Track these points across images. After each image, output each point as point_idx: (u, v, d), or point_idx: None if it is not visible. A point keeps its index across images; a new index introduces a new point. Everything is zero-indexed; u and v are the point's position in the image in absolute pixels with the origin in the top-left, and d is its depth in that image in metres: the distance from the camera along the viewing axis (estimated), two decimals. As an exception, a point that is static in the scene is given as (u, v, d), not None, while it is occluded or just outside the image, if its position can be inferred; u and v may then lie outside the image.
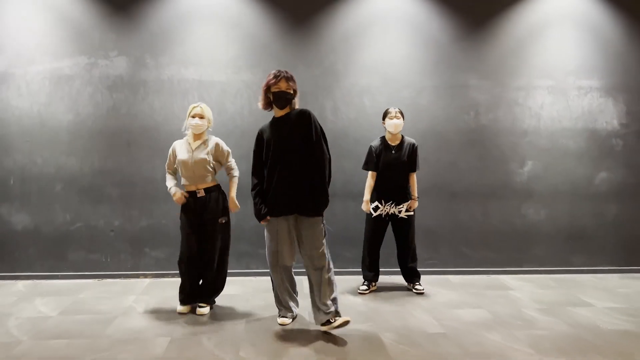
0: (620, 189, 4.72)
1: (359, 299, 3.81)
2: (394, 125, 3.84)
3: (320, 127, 3.05)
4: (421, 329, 3.20)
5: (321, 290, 3.04)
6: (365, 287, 3.99)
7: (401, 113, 3.88)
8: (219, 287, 3.53)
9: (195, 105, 3.39)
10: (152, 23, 4.26)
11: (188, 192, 3.42)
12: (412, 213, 3.94)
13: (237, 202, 3.50)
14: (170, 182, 3.49)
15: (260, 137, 3.14)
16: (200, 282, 3.51)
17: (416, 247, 4.05)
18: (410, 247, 4.00)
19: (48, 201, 4.23)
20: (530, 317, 3.45)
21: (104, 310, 3.45)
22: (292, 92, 3.02)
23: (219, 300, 3.61)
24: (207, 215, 3.39)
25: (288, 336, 3.05)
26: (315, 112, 3.20)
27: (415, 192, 3.95)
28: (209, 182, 3.41)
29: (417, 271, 4.06)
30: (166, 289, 3.95)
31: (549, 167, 4.66)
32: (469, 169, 4.58)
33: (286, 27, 4.40)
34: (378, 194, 3.93)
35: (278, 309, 3.28)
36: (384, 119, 3.92)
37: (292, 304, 3.28)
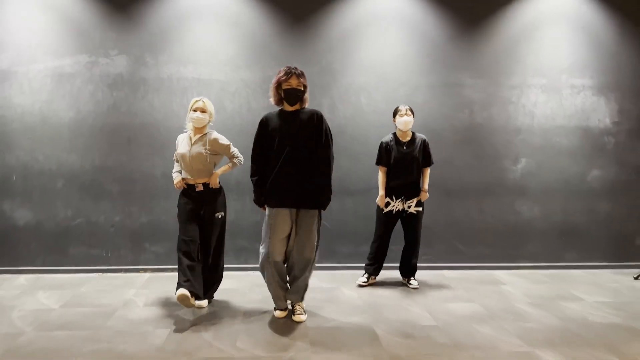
0: (612, 186, 4.80)
1: (354, 293, 3.89)
2: (404, 123, 3.93)
3: (330, 130, 3.17)
4: (414, 321, 3.28)
5: (301, 284, 3.23)
6: (364, 280, 4.08)
7: (411, 110, 3.97)
8: (215, 281, 3.59)
9: (197, 99, 3.42)
10: (152, 22, 4.34)
11: (188, 185, 3.48)
12: (420, 209, 4.03)
13: (217, 181, 3.47)
14: (175, 169, 3.58)
15: (264, 124, 3.17)
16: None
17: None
18: (417, 243, 4.09)
19: (49, 197, 4.31)
20: (521, 310, 3.53)
21: (105, 303, 3.54)
22: (302, 88, 3.09)
23: (217, 294, 3.68)
24: (205, 209, 3.45)
25: (283, 328, 3.13)
26: (313, 111, 3.27)
27: (426, 185, 4.05)
28: (208, 177, 3.46)
29: (416, 267, 4.14)
30: (166, 284, 4.03)
31: (542, 164, 4.73)
32: (463, 167, 4.66)
33: (284, 27, 4.47)
34: (389, 190, 4.02)
35: (274, 302, 3.36)
36: (394, 116, 4.01)
37: (286, 295, 3.34)
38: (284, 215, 3.12)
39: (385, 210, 4.01)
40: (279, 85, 3.08)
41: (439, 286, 4.13)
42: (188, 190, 3.47)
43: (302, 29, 4.49)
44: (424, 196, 4.04)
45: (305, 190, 3.09)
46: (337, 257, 4.57)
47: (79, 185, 4.33)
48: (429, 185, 4.10)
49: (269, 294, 3.41)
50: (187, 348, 2.79)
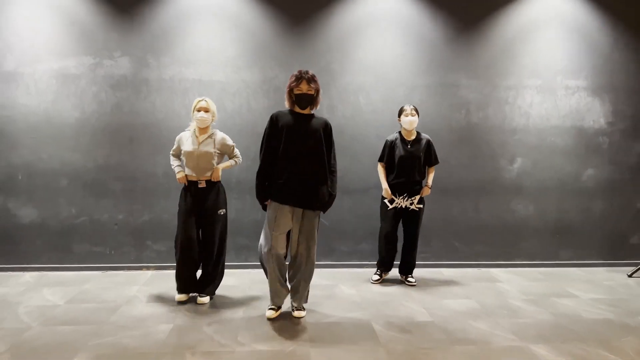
0: (606, 185, 4.88)
1: (353, 290, 3.96)
2: (409, 122, 4.02)
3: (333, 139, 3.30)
4: (410, 317, 3.36)
5: (302, 282, 3.32)
6: (377, 277, 4.19)
7: (416, 110, 4.06)
8: (217, 277, 3.66)
9: (200, 99, 3.53)
10: (154, 24, 4.41)
11: (189, 181, 3.56)
12: (422, 206, 4.11)
13: (220, 174, 3.59)
14: (175, 162, 3.64)
15: (275, 121, 3.19)
16: (199, 273, 3.67)
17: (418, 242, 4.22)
18: (416, 240, 4.16)
19: (54, 196, 4.38)
20: (516, 307, 3.61)
21: (109, 300, 3.61)
22: (313, 92, 3.13)
23: (218, 290, 3.76)
24: (207, 206, 3.53)
25: (283, 323, 3.21)
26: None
27: (430, 181, 4.15)
28: (210, 174, 3.55)
29: (414, 265, 4.22)
30: (168, 281, 4.10)
31: (537, 163, 4.81)
32: (460, 166, 4.74)
33: (284, 28, 4.54)
34: (392, 187, 4.09)
35: (271, 298, 3.35)
36: (399, 116, 4.10)
37: (283, 291, 3.34)
38: (288, 212, 3.18)
39: (391, 207, 4.08)
40: (290, 90, 3.13)
41: (436, 283, 4.21)
42: (190, 187, 3.55)
43: (301, 30, 4.56)
44: (427, 191, 4.13)
45: (311, 191, 3.17)
46: (336, 255, 4.65)
47: (83, 183, 4.41)
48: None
49: (269, 291, 3.47)
50: (189, 342, 2.87)
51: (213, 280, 3.63)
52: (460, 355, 2.76)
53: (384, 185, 4.11)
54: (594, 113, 4.83)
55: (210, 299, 3.64)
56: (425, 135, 4.15)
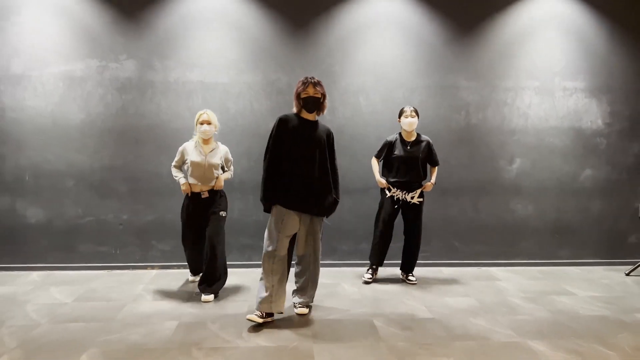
0: (604, 186, 4.94)
1: (354, 288, 4.03)
2: (408, 124, 4.08)
3: None
4: (411, 314, 3.42)
5: (310, 282, 3.40)
6: (369, 276, 4.20)
7: (416, 112, 4.13)
8: (221, 274, 3.74)
9: (201, 112, 3.71)
10: (159, 28, 4.49)
11: (193, 193, 3.73)
12: (422, 199, 4.16)
13: (222, 183, 3.79)
14: (179, 174, 3.79)
15: (283, 123, 3.23)
16: (202, 273, 3.80)
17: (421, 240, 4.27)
18: (419, 234, 4.21)
19: (60, 196, 4.45)
20: (514, 304, 3.67)
21: (115, 298, 3.68)
22: (319, 96, 3.24)
23: (222, 289, 3.83)
24: (210, 210, 3.72)
25: (287, 320, 3.27)
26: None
27: (433, 179, 4.23)
28: (214, 184, 3.74)
29: (415, 263, 4.28)
30: (172, 280, 4.17)
31: (536, 164, 4.88)
32: (459, 166, 4.81)
33: (286, 31, 4.62)
34: (391, 185, 4.16)
35: (259, 302, 3.19)
36: (399, 117, 4.17)
37: (275, 297, 3.21)
38: (295, 215, 3.24)
39: (389, 194, 4.14)
40: (298, 95, 3.24)
41: (436, 282, 4.27)
42: (194, 197, 3.72)
43: (303, 34, 4.64)
44: (429, 186, 4.20)
45: (316, 199, 3.24)
46: (338, 255, 4.72)
47: (89, 184, 4.48)
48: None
49: (256, 292, 3.34)
50: (194, 338, 2.93)
51: (216, 278, 3.71)
52: (460, 351, 2.82)
53: (377, 177, 4.19)
54: (592, 114, 4.90)
55: (215, 297, 3.71)
56: (425, 137, 4.22)
